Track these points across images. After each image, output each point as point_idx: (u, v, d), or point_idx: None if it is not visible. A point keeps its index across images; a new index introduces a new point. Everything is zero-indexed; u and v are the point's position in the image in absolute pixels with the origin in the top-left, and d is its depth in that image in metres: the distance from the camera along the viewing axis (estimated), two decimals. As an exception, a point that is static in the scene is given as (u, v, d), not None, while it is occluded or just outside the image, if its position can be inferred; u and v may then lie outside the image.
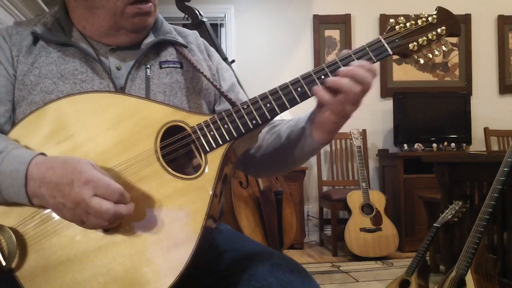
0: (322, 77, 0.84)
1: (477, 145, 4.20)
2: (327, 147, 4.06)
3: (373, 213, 3.46)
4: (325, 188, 4.05)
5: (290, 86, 0.84)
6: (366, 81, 0.82)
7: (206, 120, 0.83)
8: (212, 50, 1.10)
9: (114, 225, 0.73)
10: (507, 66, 4.39)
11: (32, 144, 0.80)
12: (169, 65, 0.98)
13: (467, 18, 4.31)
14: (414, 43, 0.87)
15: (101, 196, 0.70)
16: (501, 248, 2.07)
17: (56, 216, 0.75)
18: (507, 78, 4.39)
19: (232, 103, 0.95)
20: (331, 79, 0.82)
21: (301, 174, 3.86)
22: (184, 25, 2.95)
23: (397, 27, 0.88)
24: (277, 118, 0.93)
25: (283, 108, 0.84)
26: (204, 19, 2.81)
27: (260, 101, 0.84)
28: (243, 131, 0.83)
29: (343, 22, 4.28)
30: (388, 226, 3.45)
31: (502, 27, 4.37)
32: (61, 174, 0.72)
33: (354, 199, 3.51)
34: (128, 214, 0.71)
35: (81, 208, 0.70)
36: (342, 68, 0.83)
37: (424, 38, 0.87)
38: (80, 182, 0.70)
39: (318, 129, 0.87)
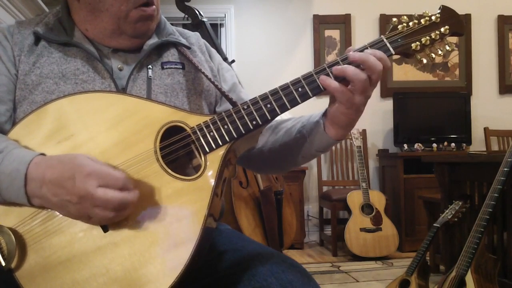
0: (323, 76, 0.83)
1: (477, 145, 4.20)
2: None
3: (373, 213, 3.46)
4: (325, 188, 4.04)
5: (291, 86, 0.83)
6: (375, 68, 0.80)
7: (206, 121, 0.83)
8: (213, 51, 1.11)
9: (121, 216, 0.72)
10: (507, 66, 4.39)
11: (32, 143, 0.80)
12: (171, 66, 0.98)
13: (467, 18, 4.31)
14: (417, 42, 0.86)
15: (105, 186, 0.70)
16: (501, 248, 2.07)
17: (56, 216, 0.75)
18: (507, 78, 4.39)
19: (233, 103, 0.95)
20: (337, 68, 0.81)
21: (301, 174, 3.86)
22: (184, 25, 2.94)
23: (399, 26, 0.86)
24: (277, 118, 0.93)
25: (283, 109, 0.83)
26: (204, 19, 2.81)
27: (260, 102, 0.83)
28: (243, 131, 0.82)
29: (343, 22, 4.28)
30: (388, 226, 3.45)
31: (502, 27, 4.37)
32: (61, 171, 0.72)
33: (354, 199, 3.51)
34: (133, 201, 0.72)
35: (86, 201, 0.70)
36: (352, 53, 0.82)
37: (427, 37, 0.86)
38: (82, 175, 0.70)
39: (331, 123, 0.87)
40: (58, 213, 0.75)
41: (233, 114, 0.83)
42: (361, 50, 0.84)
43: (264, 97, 0.84)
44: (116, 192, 0.70)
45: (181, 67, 0.99)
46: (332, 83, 0.81)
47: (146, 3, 0.91)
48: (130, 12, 0.90)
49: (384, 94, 4.26)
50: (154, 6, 0.93)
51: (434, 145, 3.90)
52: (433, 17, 0.87)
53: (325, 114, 0.89)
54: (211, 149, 0.81)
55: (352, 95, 0.81)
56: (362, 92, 0.81)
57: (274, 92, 0.84)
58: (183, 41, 1.02)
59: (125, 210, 0.72)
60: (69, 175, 0.71)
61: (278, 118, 0.88)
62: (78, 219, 0.74)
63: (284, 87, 0.84)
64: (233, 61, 2.90)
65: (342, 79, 0.82)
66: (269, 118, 0.83)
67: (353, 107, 0.83)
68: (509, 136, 4.09)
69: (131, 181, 0.73)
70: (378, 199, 3.52)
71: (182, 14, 2.88)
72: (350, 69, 0.80)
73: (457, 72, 4.37)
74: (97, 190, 0.70)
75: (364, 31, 4.29)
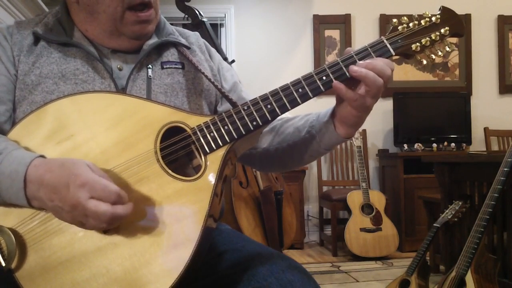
0: (324, 78, 0.83)
1: (477, 145, 4.20)
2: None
3: (373, 213, 3.46)
4: (325, 188, 4.04)
5: (291, 87, 0.84)
6: (386, 73, 0.82)
7: (206, 121, 0.83)
8: (213, 50, 1.11)
9: (113, 226, 0.72)
10: (507, 66, 4.39)
11: (32, 144, 0.80)
12: (171, 66, 0.98)
13: (467, 18, 4.31)
14: (417, 43, 0.86)
15: (97, 198, 0.69)
16: (501, 248, 2.07)
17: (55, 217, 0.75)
18: (507, 78, 4.39)
19: (233, 104, 0.95)
20: (356, 70, 0.81)
21: (301, 174, 3.86)
22: (184, 25, 2.94)
23: (400, 27, 0.86)
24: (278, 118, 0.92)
25: (284, 109, 0.83)
26: (204, 19, 2.81)
27: (260, 102, 0.83)
28: (243, 132, 0.82)
29: (343, 22, 4.28)
30: (388, 226, 3.45)
31: (502, 27, 4.37)
32: (58, 177, 0.72)
33: (354, 199, 3.51)
34: (126, 215, 0.71)
35: (78, 210, 0.70)
36: (361, 62, 0.82)
37: (427, 38, 0.86)
38: (76, 185, 0.70)
39: (341, 123, 0.88)
40: None
41: (233, 115, 0.83)
42: (362, 51, 0.85)
43: (264, 98, 0.84)
44: (108, 206, 0.69)
45: (180, 66, 0.99)
46: (348, 92, 0.82)
47: (142, 4, 0.91)
48: (125, 13, 0.90)
49: (384, 94, 4.23)
50: (151, 10, 0.93)
51: (434, 145, 3.90)
52: (433, 18, 0.87)
53: (332, 113, 0.90)
54: (211, 150, 0.81)
55: (365, 100, 0.83)
56: (375, 96, 0.83)
57: (274, 93, 0.84)
58: (183, 41, 1.02)
59: (117, 223, 0.72)
60: (64, 183, 0.71)
61: (278, 117, 0.88)
62: (72, 224, 0.73)
63: (284, 88, 0.84)
64: (233, 61, 2.90)
65: (350, 81, 0.83)
66: (269, 118, 0.83)
67: (365, 110, 0.85)
68: (509, 136, 4.09)
69: (125, 195, 0.72)
70: (378, 199, 3.52)
71: (182, 14, 2.89)
72: (370, 75, 0.81)
73: (457, 72, 4.37)
74: (89, 202, 0.69)
75: (364, 31, 4.29)
